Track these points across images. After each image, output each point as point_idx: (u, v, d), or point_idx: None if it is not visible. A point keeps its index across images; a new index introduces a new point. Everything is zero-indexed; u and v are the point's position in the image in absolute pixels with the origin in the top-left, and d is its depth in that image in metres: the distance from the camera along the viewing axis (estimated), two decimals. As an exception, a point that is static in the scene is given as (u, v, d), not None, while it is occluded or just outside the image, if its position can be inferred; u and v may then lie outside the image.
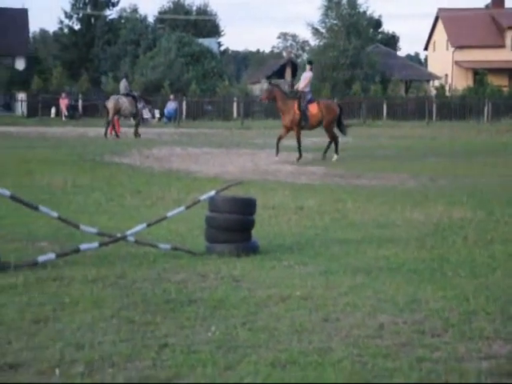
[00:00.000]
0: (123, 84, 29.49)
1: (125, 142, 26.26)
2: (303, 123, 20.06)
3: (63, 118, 41.62)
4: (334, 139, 20.36)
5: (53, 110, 43.03)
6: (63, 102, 42.59)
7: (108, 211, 10.55)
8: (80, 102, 44.33)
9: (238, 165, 18.36)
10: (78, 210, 10.18)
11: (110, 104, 28.29)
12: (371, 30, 58.79)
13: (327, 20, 52.97)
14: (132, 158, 19.30)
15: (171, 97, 41.93)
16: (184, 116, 44.22)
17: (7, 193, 6.45)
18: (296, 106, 19.80)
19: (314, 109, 19.97)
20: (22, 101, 44.02)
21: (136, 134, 28.68)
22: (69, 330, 4.86)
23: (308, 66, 20.88)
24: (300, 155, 19.66)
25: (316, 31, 53.70)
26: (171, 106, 42.32)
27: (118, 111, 28.39)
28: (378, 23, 67.24)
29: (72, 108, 43.02)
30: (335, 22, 52.65)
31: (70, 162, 17.15)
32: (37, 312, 5.22)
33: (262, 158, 20.64)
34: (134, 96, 29.28)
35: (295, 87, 20.96)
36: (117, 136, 28.75)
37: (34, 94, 43.49)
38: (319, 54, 52.18)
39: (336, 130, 20.87)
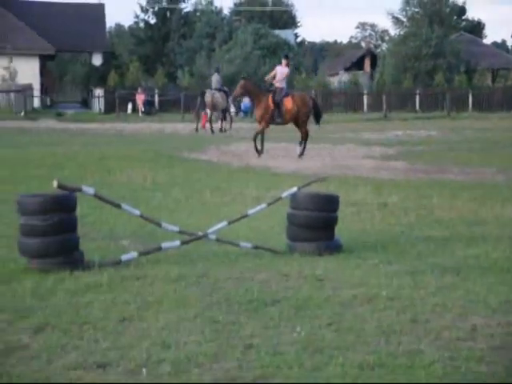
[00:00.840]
0: (215, 78, 30.08)
1: (202, 138, 26.58)
2: (278, 119, 19.08)
3: (140, 114, 42.38)
4: (306, 135, 19.11)
5: (129, 106, 43.87)
6: (140, 98, 43.36)
7: (187, 208, 10.72)
8: (156, 98, 45.04)
9: (317, 160, 18.33)
10: (158, 208, 10.37)
11: (208, 98, 28.95)
12: (455, 17, 57.70)
13: (408, 8, 52.31)
14: (210, 154, 19.51)
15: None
16: (261, 110, 44.38)
17: (91, 191, 6.63)
18: (270, 99, 18.69)
19: (288, 103, 18.81)
20: (99, 97, 45.01)
21: (222, 129, 29.69)
22: (154, 330, 4.98)
23: (284, 61, 19.17)
24: (258, 152, 18.70)
25: (397, 20, 53.14)
26: (248, 100, 42.49)
27: (213, 106, 29.07)
28: (461, 10, 65.85)
29: (148, 103, 43.76)
30: (417, 10, 51.92)
31: (149, 159, 17.46)
32: (122, 311, 5.36)
33: (342, 152, 20.55)
34: (226, 91, 29.90)
35: (267, 80, 19.44)
36: (196, 130, 29.39)
37: (111, 90, 44.40)
38: (400, 43, 51.55)
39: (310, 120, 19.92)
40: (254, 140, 18.91)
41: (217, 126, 30.39)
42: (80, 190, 6.61)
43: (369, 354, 4.53)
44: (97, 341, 4.73)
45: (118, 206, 6.98)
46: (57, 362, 4.34)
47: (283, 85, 18.87)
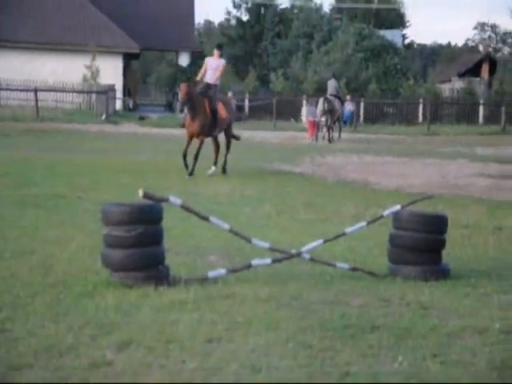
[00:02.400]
0: (333, 84, 30.79)
1: (296, 148, 26.81)
2: (215, 131, 17.03)
3: (228, 120, 42.93)
4: (228, 145, 17.76)
5: (217, 111, 44.54)
6: (228, 102, 43.94)
7: (279, 225, 10.91)
8: (246, 103, 45.60)
9: (422, 176, 18.26)
10: (247, 223, 10.59)
11: (329, 105, 29.80)
12: None
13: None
14: (304, 167, 19.71)
15: (348, 97, 42.14)
16: (361, 119, 44.37)
17: (178, 201, 6.89)
18: (207, 106, 16.55)
19: (222, 110, 16.98)
20: (185, 100, 45.77)
21: (331, 139, 30.64)
22: (243, 352, 5.16)
23: (216, 52, 17.03)
24: (191, 171, 16.29)
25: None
26: (347, 107, 42.58)
27: (332, 113, 29.97)
28: None
29: (238, 109, 44.34)
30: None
31: (237, 170, 17.78)
32: (209, 331, 5.57)
33: (452, 169, 20.38)
34: (341, 98, 30.78)
35: (198, 81, 17.18)
36: (310, 138, 30.27)
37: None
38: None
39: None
40: (185, 158, 16.42)
41: (321, 135, 31.34)
42: (167, 200, 6.88)
43: (478, 390, 4.59)
44: (183, 361, 4.94)
45: (206, 219, 7.21)
46: (142, 380, 4.57)
47: (217, 82, 16.94)
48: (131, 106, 49.51)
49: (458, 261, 8.39)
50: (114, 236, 6.72)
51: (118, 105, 45.52)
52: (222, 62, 16.95)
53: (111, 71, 45.75)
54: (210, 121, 16.49)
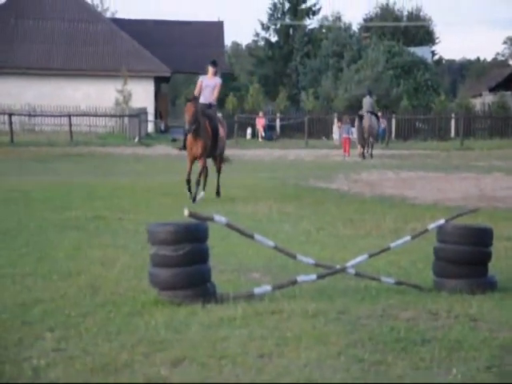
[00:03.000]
0: (368, 101, 30.93)
1: (329, 165, 26.82)
2: (216, 151, 16.09)
3: (260, 140, 43.16)
4: (221, 166, 16.71)
5: (248, 131, 44.80)
6: (260, 122, 44.20)
7: (319, 241, 10.90)
8: (278, 122, 45.75)
9: (459, 190, 18.17)
10: (287, 240, 10.60)
11: (366, 123, 30.02)
12: None
13: None
14: (339, 183, 19.70)
15: (379, 114, 42.04)
16: (393, 136, 44.28)
17: (223, 220, 6.93)
18: (208, 125, 15.53)
19: (220, 129, 16.05)
20: (216, 121, 46.10)
21: (371, 155, 30.95)
22: (295, 366, 5.16)
23: (211, 69, 15.71)
24: (195, 197, 15.35)
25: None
26: (383, 124, 42.56)
27: (370, 131, 30.31)
28: None
29: (269, 128, 44.52)
30: None
31: (273, 187, 17.83)
32: (260, 346, 5.58)
33: (488, 182, 20.26)
34: (377, 115, 31.11)
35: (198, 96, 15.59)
36: (346, 155, 30.47)
37: (230, 114, 45.45)
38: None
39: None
40: (189, 183, 15.42)
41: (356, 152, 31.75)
42: (212, 219, 6.92)
43: (536, 400, 4.55)
44: (237, 376, 4.96)
45: (251, 237, 7.24)
46: (198, 396, 4.60)
47: (215, 102, 15.84)
48: (163, 128, 49.92)
49: (503, 273, 8.34)
50: (162, 255, 6.76)
51: (150, 127, 45.91)
52: (219, 80, 15.73)
53: (143, 95, 46.24)
54: (212, 141, 15.58)
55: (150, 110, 46.36)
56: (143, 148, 35.56)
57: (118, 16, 62.37)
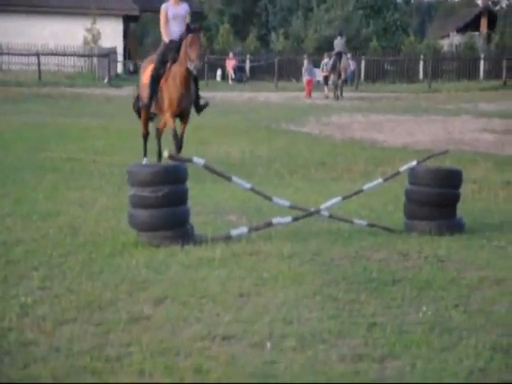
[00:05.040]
0: (340, 42, 31.16)
1: (299, 108, 26.92)
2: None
3: (230, 82, 42.97)
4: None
5: (218, 73, 44.51)
6: (230, 64, 43.91)
7: (292, 184, 11.10)
8: (247, 63, 45.53)
9: (428, 133, 18.44)
10: (260, 183, 10.78)
11: (344, 64, 30.43)
12: None
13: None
14: (310, 126, 19.87)
15: (348, 56, 42.03)
16: (362, 78, 44.34)
17: (201, 162, 7.07)
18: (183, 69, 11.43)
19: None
20: (185, 62, 45.71)
21: (341, 95, 31.56)
22: (273, 305, 5.38)
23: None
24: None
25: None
26: (352, 65, 42.56)
27: (344, 70, 30.83)
28: None
29: (239, 70, 44.30)
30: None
31: (245, 130, 17.95)
32: (239, 286, 5.79)
33: (456, 125, 20.55)
34: (347, 55, 31.62)
35: (166, 37, 11.71)
36: (307, 96, 32.01)
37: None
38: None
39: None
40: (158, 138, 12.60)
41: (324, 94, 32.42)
42: (191, 160, 7.05)
43: (502, 336, 4.81)
44: (218, 314, 5.16)
45: (229, 179, 7.40)
46: (181, 332, 4.79)
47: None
48: (132, 68, 49.43)
49: (470, 214, 8.61)
50: (141, 197, 6.90)
51: (119, 68, 45.45)
52: (186, 8, 11.81)
53: (111, 34, 45.60)
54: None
55: (119, 50, 45.82)
56: (113, 89, 35.29)
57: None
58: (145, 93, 11.86)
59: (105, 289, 5.61)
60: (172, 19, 11.71)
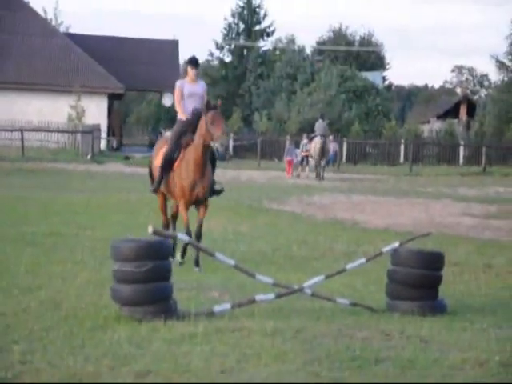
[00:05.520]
0: (321, 124, 31.81)
1: (281, 187, 27.12)
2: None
3: (212, 160, 43.28)
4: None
5: (201, 151, 44.85)
6: (213, 142, 44.32)
7: (275, 262, 11.13)
8: (231, 142, 45.99)
9: (409, 216, 18.57)
10: (243, 260, 10.78)
11: (319, 144, 31.08)
12: None
13: (515, 51, 52.24)
14: (292, 205, 19.98)
15: (331, 138, 42.58)
16: (344, 159, 44.84)
17: (186, 238, 7.12)
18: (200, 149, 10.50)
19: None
20: (169, 140, 46.14)
21: (323, 177, 32.01)
22: (257, 381, 5.35)
23: (193, 71, 10.95)
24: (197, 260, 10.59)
25: (501, 65, 53.04)
26: (330, 147, 43.09)
27: (323, 153, 31.34)
28: None
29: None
30: (526, 53, 51.85)
31: (227, 208, 18.00)
32: (221, 362, 5.76)
33: (437, 208, 20.73)
34: (325, 137, 32.24)
35: (183, 116, 10.80)
36: (288, 176, 32.83)
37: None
38: (504, 90, 51.51)
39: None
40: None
41: (304, 174, 33.27)
42: (175, 237, 7.10)
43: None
44: (200, 390, 5.14)
45: (212, 255, 7.43)
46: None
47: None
48: (115, 145, 49.81)
49: (452, 297, 8.65)
50: (124, 272, 6.90)
51: (103, 144, 45.78)
52: (203, 85, 11.16)
53: (96, 111, 46.12)
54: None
55: (103, 126, 46.25)
56: (96, 165, 35.48)
57: (71, 31, 62.07)
58: (156, 176, 10.95)
59: (86, 363, 5.57)
60: (187, 97, 10.90)
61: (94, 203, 17.48)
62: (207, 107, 10.32)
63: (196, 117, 10.53)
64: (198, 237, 10.58)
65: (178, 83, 11.07)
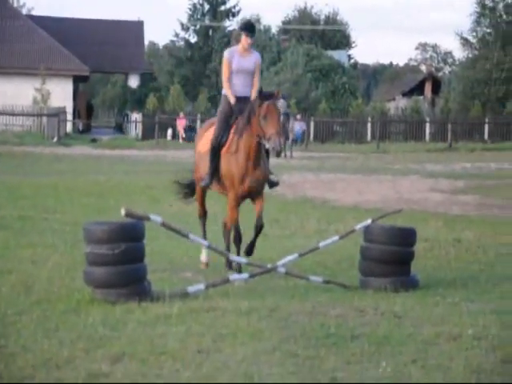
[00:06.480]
0: (283, 103, 31.80)
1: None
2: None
3: (180, 141, 43.14)
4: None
5: (169, 132, 44.68)
6: (181, 123, 44.15)
7: (246, 241, 11.07)
8: (198, 123, 45.81)
9: (378, 193, 18.65)
10: (215, 240, 10.74)
11: (291, 125, 32.71)
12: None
13: (479, 29, 52.48)
14: (261, 185, 19.95)
15: (298, 117, 42.61)
16: (312, 138, 44.88)
17: (159, 219, 7.06)
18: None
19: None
20: (136, 122, 45.91)
21: (291, 155, 32.84)
22: (233, 361, 5.34)
23: (248, 39, 8.91)
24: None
25: (465, 41, 53.30)
26: (298, 126, 43.10)
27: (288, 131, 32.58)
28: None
29: (190, 129, 44.53)
30: (488, 30, 52.09)
31: (197, 189, 17.94)
32: (197, 342, 5.73)
33: (405, 185, 20.83)
34: (289, 115, 32.58)
35: (229, 93, 8.99)
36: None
37: (150, 114, 45.21)
38: (468, 67, 51.81)
39: None
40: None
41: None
42: (148, 218, 7.04)
43: (461, 392, 4.83)
44: (177, 371, 5.10)
45: (186, 236, 7.39)
46: (141, 390, 4.73)
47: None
48: (81, 128, 49.42)
49: (423, 272, 8.69)
50: (97, 254, 6.83)
51: (69, 127, 45.38)
52: (256, 58, 9.03)
53: (61, 94, 45.64)
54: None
55: (69, 109, 45.81)
56: (63, 148, 35.16)
57: (34, 13, 61.31)
58: (203, 165, 9.15)
59: (61, 347, 5.51)
60: (236, 72, 8.91)
61: (63, 186, 17.31)
62: (261, 97, 8.45)
63: (243, 105, 8.76)
64: (258, 231, 8.85)
65: (227, 54, 8.95)
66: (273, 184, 9.28)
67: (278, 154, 8.39)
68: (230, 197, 8.93)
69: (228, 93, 8.91)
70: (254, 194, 8.90)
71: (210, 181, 9.00)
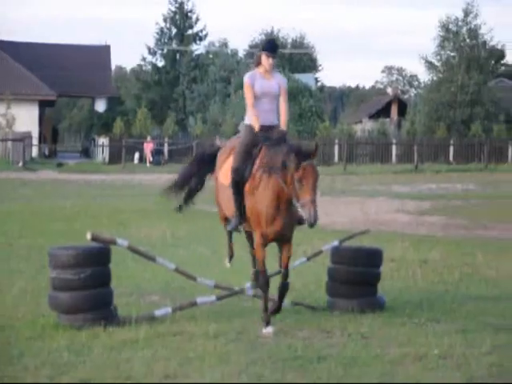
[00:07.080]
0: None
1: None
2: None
3: (148, 164, 43.04)
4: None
5: (136, 156, 44.51)
6: (148, 147, 44.05)
7: (215, 264, 11.06)
8: (166, 147, 45.77)
9: (346, 214, 18.73)
10: (183, 264, 10.69)
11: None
12: (493, 62, 58.43)
13: (443, 52, 53.08)
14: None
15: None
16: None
17: (125, 243, 7.03)
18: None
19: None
20: (103, 146, 45.71)
21: None
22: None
23: (269, 60, 7.90)
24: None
25: (430, 65, 53.85)
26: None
27: None
28: (500, 54, 66.62)
29: (157, 153, 44.45)
30: (452, 54, 52.72)
31: (165, 212, 17.86)
32: (164, 367, 5.71)
33: (372, 206, 20.94)
34: None
35: (254, 119, 7.81)
36: None
37: (117, 138, 45.02)
38: (433, 90, 52.30)
39: None
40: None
41: None
42: (114, 242, 7.01)
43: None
44: (144, 396, 5.08)
45: (153, 260, 7.37)
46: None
47: (284, 127, 8.09)
48: (47, 152, 49.11)
49: (390, 293, 8.72)
50: (62, 279, 6.79)
51: (35, 152, 45.06)
52: (281, 80, 8.10)
53: (27, 119, 45.34)
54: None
55: (35, 134, 45.51)
56: (29, 173, 34.90)
57: (0, 38, 60.96)
58: (226, 201, 8.04)
59: (25, 373, 5.46)
60: (259, 97, 7.90)
61: (28, 211, 17.17)
62: (297, 154, 7.34)
63: (269, 133, 7.79)
64: (284, 292, 7.62)
65: (247, 78, 7.94)
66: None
67: (312, 226, 7.40)
68: (256, 236, 7.89)
69: (254, 120, 7.78)
70: (283, 238, 7.89)
71: (237, 224, 8.03)
